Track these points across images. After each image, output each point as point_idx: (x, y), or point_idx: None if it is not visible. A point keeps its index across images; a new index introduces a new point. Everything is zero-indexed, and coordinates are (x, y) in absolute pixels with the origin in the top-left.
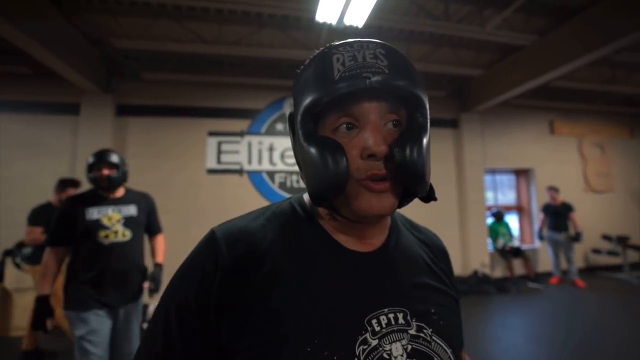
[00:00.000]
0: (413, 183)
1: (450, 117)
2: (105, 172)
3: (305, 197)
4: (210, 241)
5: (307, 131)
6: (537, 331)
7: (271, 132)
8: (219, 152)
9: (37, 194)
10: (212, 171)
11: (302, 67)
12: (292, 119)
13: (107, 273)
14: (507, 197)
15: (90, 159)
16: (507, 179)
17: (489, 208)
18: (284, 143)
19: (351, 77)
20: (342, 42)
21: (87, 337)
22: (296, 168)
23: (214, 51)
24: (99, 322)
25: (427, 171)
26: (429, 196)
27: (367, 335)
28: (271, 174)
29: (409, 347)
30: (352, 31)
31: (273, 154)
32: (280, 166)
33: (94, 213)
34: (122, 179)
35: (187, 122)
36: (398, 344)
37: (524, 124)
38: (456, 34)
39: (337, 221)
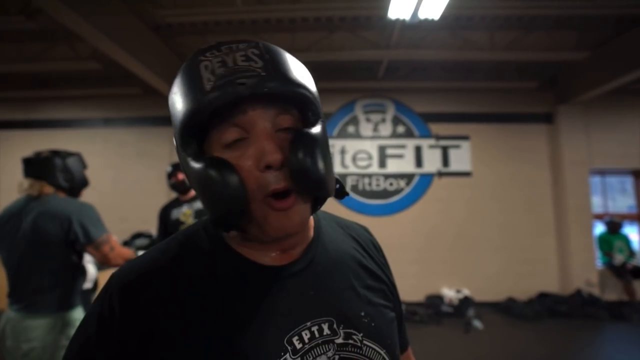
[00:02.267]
0: (316, 189)
1: (543, 111)
2: (180, 177)
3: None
4: (107, 289)
5: (191, 153)
6: None
7: (343, 134)
8: None
9: (147, 194)
10: None
11: (173, 80)
12: (176, 138)
13: None
14: (619, 203)
15: (168, 169)
16: (620, 182)
17: (599, 216)
18: (356, 145)
19: (223, 86)
20: (208, 46)
21: None
22: (369, 170)
23: None
24: None
25: (328, 171)
26: (340, 193)
27: (287, 355)
28: (343, 177)
29: (336, 357)
30: (427, 25)
31: (345, 156)
32: (352, 169)
33: (174, 214)
34: None
35: None
36: (323, 357)
37: None
38: (553, 12)
39: (249, 241)
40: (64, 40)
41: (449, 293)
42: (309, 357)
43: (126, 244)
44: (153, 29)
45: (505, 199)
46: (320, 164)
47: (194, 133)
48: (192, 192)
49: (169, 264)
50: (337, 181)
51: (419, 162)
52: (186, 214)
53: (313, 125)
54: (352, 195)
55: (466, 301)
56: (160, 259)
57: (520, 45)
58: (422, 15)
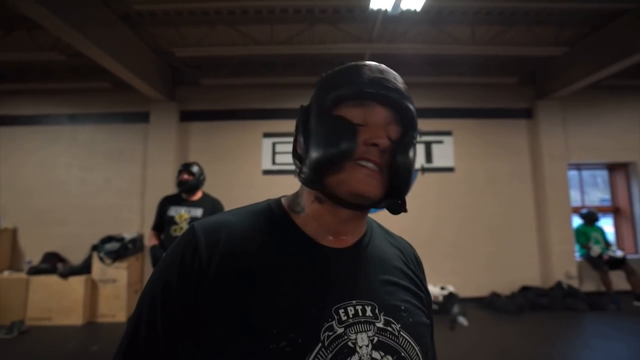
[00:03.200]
0: (402, 181)
1: (524, 107)
2: (185, 177)
3: (283, 199)
4: (190, 233)
5: (330, 110)
6: None
7: None
8: (274, 152)
9: (117, 195)
10: (267, 172)
11: (331, 70)
12: (304, 108)
13: None
14: (592, 196)
15: (179, 167)
16: (592, 176)
17: (576, 209)
18: None
19: (378, 83)
20: (368, 62)
21: None
22: None
23: (266, 52)
24: None
25: (409, 183)
26: (400, 208)
27: (334, 323)
28: None
29: (375, 338)
30: (409, 18)
31: None
32: None
33: (172, 210)
34: (195, 184)
35: (243, 125)
36: (364, 335)
37: (621, 108)
38: (534, 6)
39: (319, 209)
40: (20, 27)
41: (434, 290)
42: (352, 330)
43: (95, 248)
44: (122, 17)
45: (488, 194)
46: (412, 168)
47: (332, 103)
48: (198, 195)
49: (244, 224)
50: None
51: None
52: (182, 216)
53: (414, 143)
54: None
55: (451, 298)
56: (236, 218)
57: (501, 40)
58: (404, 5)
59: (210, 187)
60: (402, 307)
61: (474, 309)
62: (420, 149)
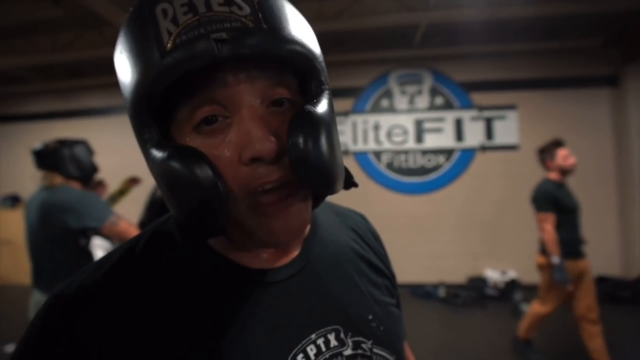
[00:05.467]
0: (323, 184)
1: (607, 73)
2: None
3: (173, 223)
4: (47, 320)
5: (150, 138)
6: None
7: (376, 109)
8: None
9: None
10: None
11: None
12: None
13: None
14: None
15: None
16: None
17: None
18: (391, 120)
19: (192, 41)
20: None
21: None
22: (405, 146)
23: (315, 29)
24: None
25: (338, 161)
26: (348, 183)
27: None
28: (377, 154)
29: None
30: None
31: (379, 132)
32: (386, 145)
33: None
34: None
35: None
36: None
37: None
38: None
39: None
40: (92, 27)
41: (493, 275)
42: None
43: None
44: None
45: None
46: (329, 152)
47: (154, 111)
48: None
49: (142, 277)
50: (346, 170)
51: (459, 135)
52: None
53: (317, 99)
54: (387, 173)
55: (512, 284)
56: (122, 271)
57: None
58: None
59: None
60: (370, 317)
61: None
62: (479, 126)
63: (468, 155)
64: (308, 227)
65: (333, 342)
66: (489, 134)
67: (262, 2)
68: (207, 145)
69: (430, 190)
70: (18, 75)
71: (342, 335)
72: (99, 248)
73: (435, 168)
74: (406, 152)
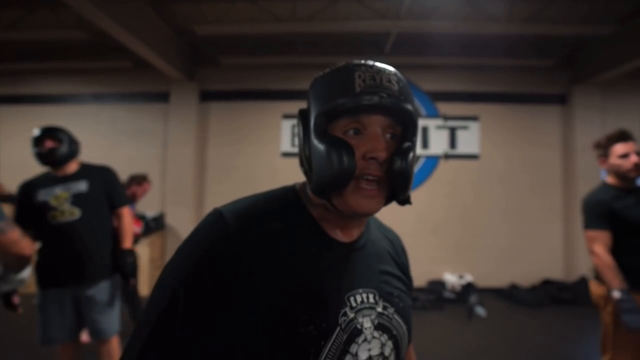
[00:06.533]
0: (401, 188)
1: (557, 92)
2: (49, 144)
3: (298, 188)
4: (217, 219)
5: (322, 129)
6: None
7: None
8: (293, 135)
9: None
10: (286, 154)
11: (322, 73)
12: (303, 114)
13: (58, 254)
14: None
15: (35, 132)
16: None
17: None
18: None
19: (370, 93)
20: (362, 62)
21: (39, 311)
22: None
23: (288, 29)
24: (53, 301)
25: (411, 179)
26: (406, 201)
27: (347, 309)
28: None
29: (376, 321)
30: None
31: None
32: None
33: (42, 195)
34: (69, 153)
35: (263, 106)
36: (368, 318)
37: None
38: None
39: (327, 211)
40: (43, 5)
41: (451, 279)
42: (359, 315)
43: None
44: None
45: (513, 183)
46: (412, 171)
47: (327, 117)
48: (70, 168)
49: (268, 212)
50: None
51: (425, 143)
52: (60, 197)
53: (410, 140)
54: None
55: (469, 287)
56: (260, 205)
57: (541, 17)
58: None
59: (233, 169)
60: (395, 294)
61: (493, 300)
62: (444, 135)
63: (432, 162)
64: (365, 224)
65: (371, 300)
66: (453, 142)
67: (402, 86)
68: (351, 142)
69: None
70: None
71: (376, 297)
72: None
73: None
74: None
